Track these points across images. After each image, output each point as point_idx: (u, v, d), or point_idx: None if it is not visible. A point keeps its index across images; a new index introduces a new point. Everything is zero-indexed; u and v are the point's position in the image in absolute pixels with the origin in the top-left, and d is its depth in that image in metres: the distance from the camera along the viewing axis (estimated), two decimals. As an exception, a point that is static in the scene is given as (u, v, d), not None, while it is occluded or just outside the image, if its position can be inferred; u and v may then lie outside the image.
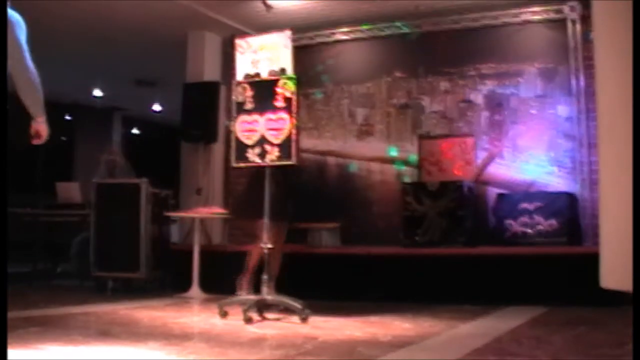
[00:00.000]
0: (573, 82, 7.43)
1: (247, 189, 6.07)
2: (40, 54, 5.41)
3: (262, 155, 5.24)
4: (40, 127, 4.86)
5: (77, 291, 7.45)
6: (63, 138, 14.02)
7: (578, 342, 4.17)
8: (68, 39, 5.19)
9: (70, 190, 8.73)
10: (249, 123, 5.31)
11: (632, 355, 2.31)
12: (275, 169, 5.44)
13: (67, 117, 14.02)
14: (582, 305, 5.65)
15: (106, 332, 4.43)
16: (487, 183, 7.70)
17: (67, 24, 5.60)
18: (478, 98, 7.95)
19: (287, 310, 5.18)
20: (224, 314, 5.22)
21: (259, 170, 5.67)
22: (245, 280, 5.95)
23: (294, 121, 5.12)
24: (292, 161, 5.15)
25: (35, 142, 4.85)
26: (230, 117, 6.58)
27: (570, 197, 7.09)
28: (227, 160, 8.48)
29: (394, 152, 8.16)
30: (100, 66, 7.67)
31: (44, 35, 5.87)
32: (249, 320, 4.90)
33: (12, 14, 4.72)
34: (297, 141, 5.15)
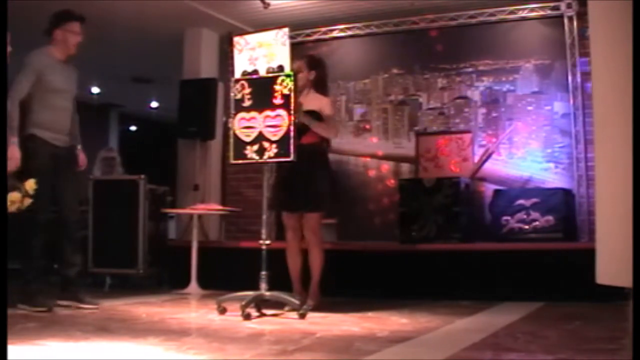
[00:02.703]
0: (569, 78, 7.46)
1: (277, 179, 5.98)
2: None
3: (261, 152, 5.25)
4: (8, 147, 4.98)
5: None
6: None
7: (573, 336, 4.20)
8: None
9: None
10: (247, 120, 5.32)
11: (632, 355, 2.34)
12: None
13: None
14: (577, 301, 5.68)
15: (105, 328, 4.45)
16: (483, 179, 7.73)
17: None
18: (475, 95, 7.98)
19: (286, 306, 5.19)
20: (222, 310, 5.22)
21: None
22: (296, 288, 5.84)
23: (292, 118, 5.14)
24: (290, 157, 5.16)
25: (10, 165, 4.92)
26: (227, 114, 6.60)
27: (566, 193, 7.12)
28: (224, 157, 8.49)
29: (390, 149, 8.17)
30: (97, 63, 7.67)
31: (42, 34, 5.89)
32: (247, 316, 4.91)
33: None
34: (295, 138, 5.16)
